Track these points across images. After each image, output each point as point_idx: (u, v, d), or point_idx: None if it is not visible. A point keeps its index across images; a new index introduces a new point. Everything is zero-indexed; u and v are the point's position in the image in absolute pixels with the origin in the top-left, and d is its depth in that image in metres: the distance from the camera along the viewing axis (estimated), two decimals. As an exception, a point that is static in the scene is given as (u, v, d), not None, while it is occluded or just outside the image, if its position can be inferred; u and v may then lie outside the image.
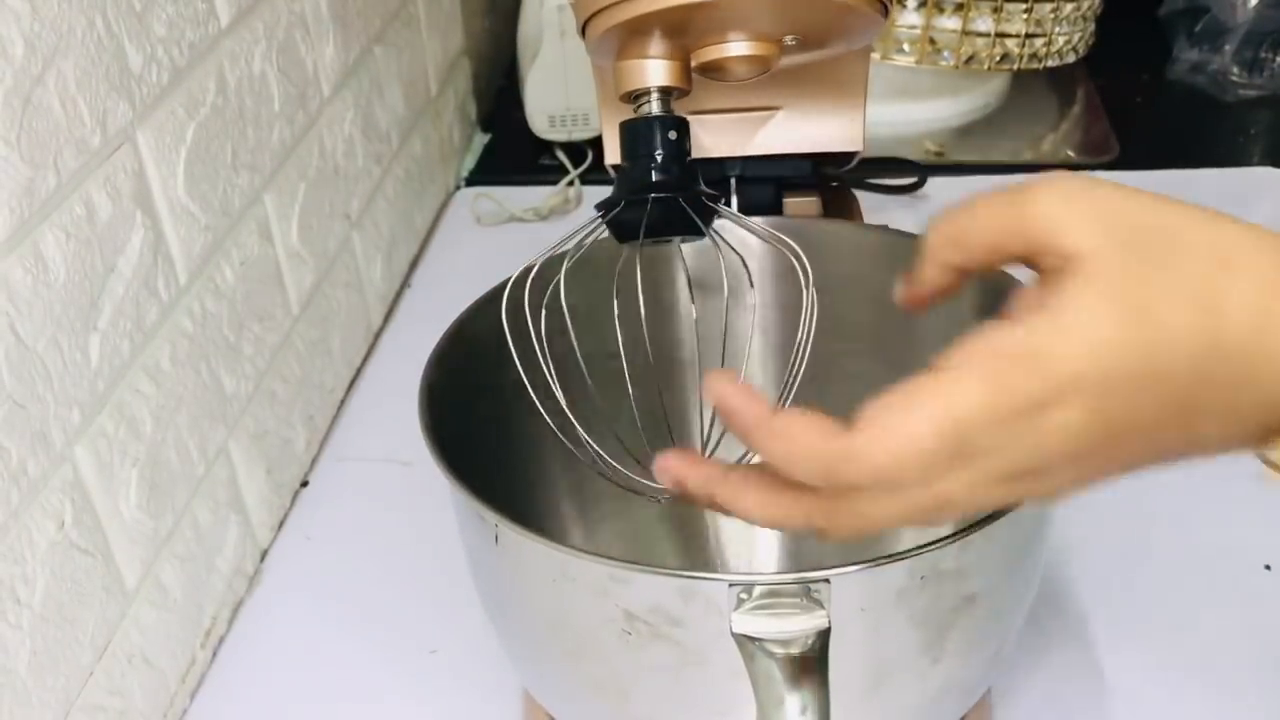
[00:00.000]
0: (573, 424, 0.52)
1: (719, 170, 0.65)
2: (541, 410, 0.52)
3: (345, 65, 0.81)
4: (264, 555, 0.71)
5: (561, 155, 1.04)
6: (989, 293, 0.58)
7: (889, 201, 0.97)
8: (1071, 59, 1.04)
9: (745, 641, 0.43)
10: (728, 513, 0.40)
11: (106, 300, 0.55)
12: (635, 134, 0.52)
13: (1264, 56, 1.09)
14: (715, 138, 0.64)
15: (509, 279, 0.55)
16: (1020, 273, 0.57)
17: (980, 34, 0.98)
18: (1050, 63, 1.02)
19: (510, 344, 0.53)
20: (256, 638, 0.67)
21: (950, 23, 0.98)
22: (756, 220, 0.55)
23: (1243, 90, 1.10)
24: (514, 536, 0.47)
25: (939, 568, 0.45)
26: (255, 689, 0.64)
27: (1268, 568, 0.66)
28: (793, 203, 0.67)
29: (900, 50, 0.99)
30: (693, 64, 0.52)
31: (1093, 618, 0.64)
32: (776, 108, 0.64)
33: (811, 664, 0.42)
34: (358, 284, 0.84)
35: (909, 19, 0.97)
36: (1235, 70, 1.10)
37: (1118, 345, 0.34)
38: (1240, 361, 0.35)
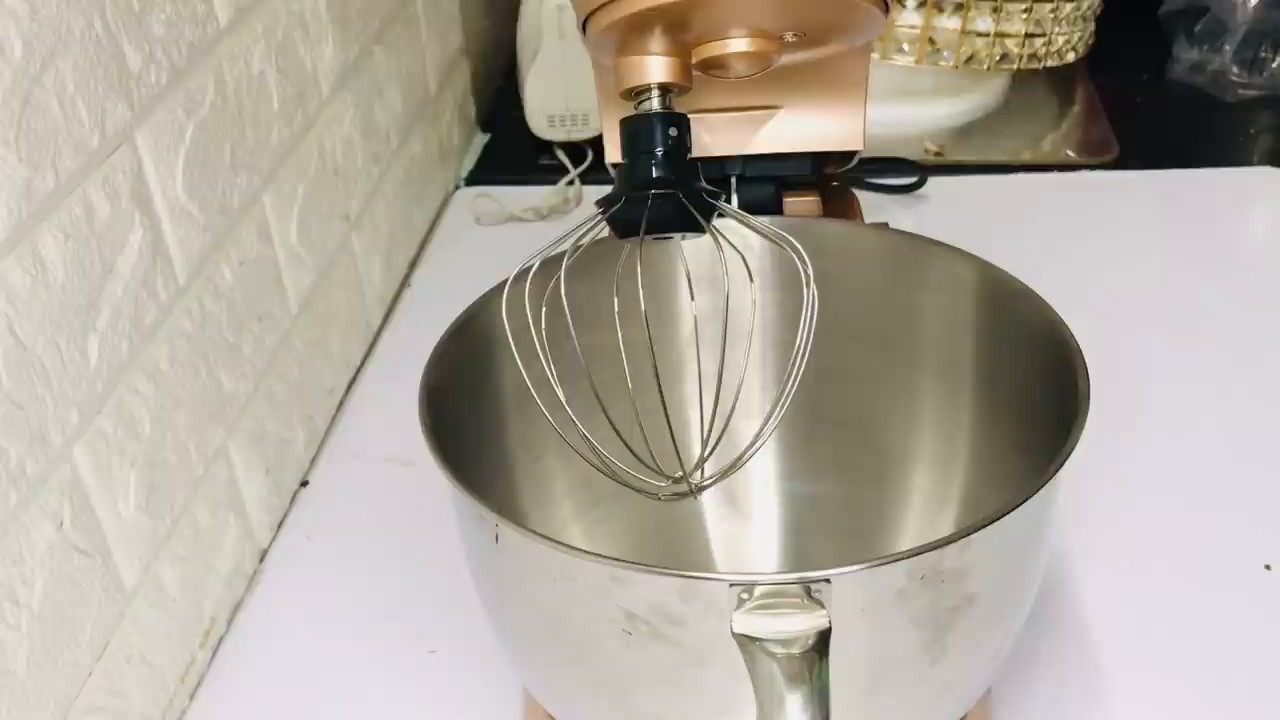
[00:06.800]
0: (573, 422, 0.52)
1: (719, 169, 0.65)
2: (542, 408, 0.52)
3: (344, 65, 0.81)
4: (263, 555, 0.71)
5: (561, 155, 1.04)
6: (989, 292, 0.58)
7: (889, 201, 0.97)
8: (1071, 59, 1.04)
9: (746, 641, 0.43)
10: None
11: (105, 301, 0.55)
12: (635, 131, 0.52)
13: (1264, 56, 1.09)
14: (716, 136, 0.64)
15: (509, 277, 0.55)
16: (1012, 266, 0.57)
17: (980, 34, 0.98)
18: (1050, 63, 1.02)
19: (510, 342, 0.53)
20: (256, 638, 0.67)
21: (950, 23, 0.97)
22: (757, 217, 0.55)
23: (1243, 90, 1.09)
24: (514, 536, 0.47)
25: (940, 568, 0.44)
26: (255, 689, 0.64)
27: (1268, 568, 0.66)
28: (793, 202, 0.67)
29: (900, 50, 0.98)
30: (693, 61, 0.52)
31: (1093, 618, 0.64)
32: (777, 107, 0.64)
33: (812, 664, 0.42)
34: (357, 284, 0.84)
35: (909, 19, 0.97)
36: (1235, 70, 1.10)
37: None
38: None
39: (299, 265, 0.75)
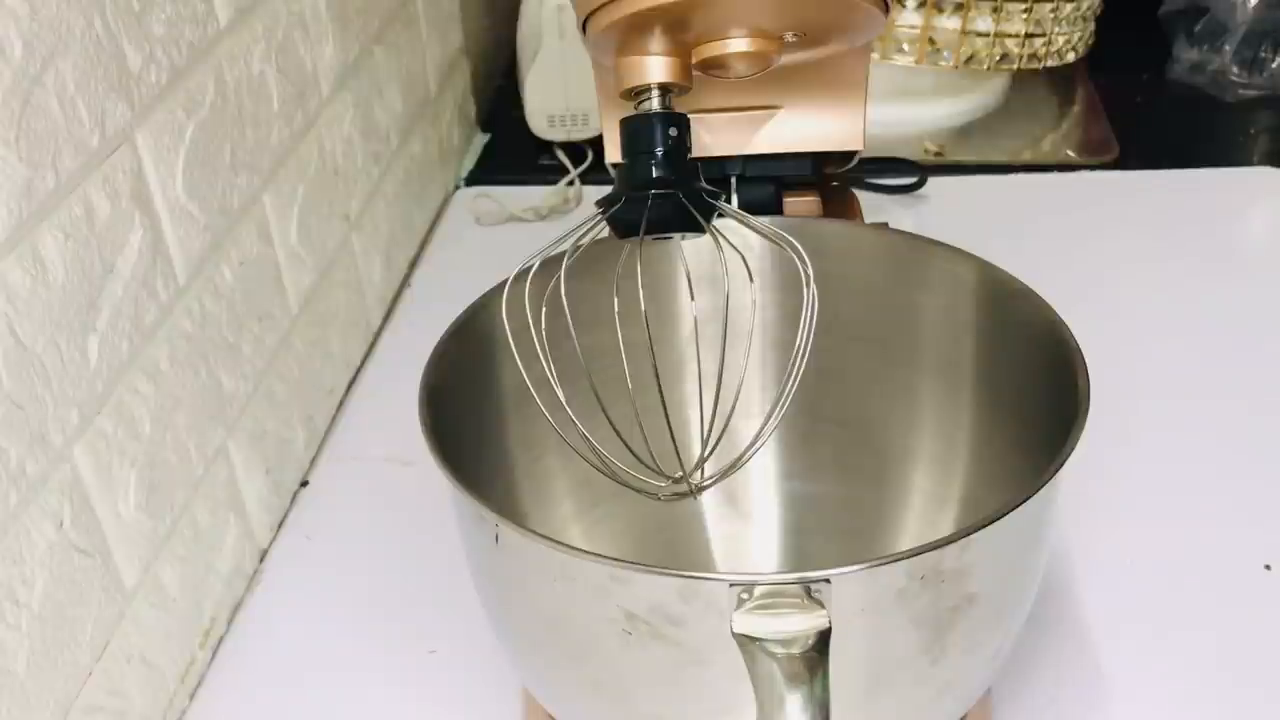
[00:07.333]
0: (573, 422, 0.52)
1: (719, 169, 0.65)
2: (542, 408, 0.52)
3: (344, 65, 0.81)
4: (263, 555, 0.71)
5: (561, 155, 1.04)
6: (989, 292, 0.58)
7: (889, 201, 0.97)
8: (1071, 59, 1.04)
9: (746, 641, 0.43)
10: None
11: (105, 301, 0.55)
12: (635, 131, 0.52)
13: (1264, 56, 1.09)
14: (716, 136, 0.64)
15: (509, 277, 0.55)
16: (1012, 266, 0.57)
17: (980, 34, 0.98)
18: (1050, 63, 1.02)
19: (510, 342, 0.53)
20: (256, 638, 0.67)
21: (950, 23, 0.97)
22: (757, 217, 0.55)
23: (1243, 90, 1.09)
24: (514, 536, 0.47)
25: (940, 568, 0.44)
26: (254, 689, 0.64)
27: (1268, 568, 0.66)
28: (793, 202, 0.67)
29: (900, 50, 0.98)
30: (693, 61, 0.52)
31: (1093, 618, 0.64)
32: (777, 107, 0.64)
33: (812, 664, 0.42)
34: (357, 284, 0.84)
35: (909, 19, 0.97)
36: (1235, 70, 1.09)
37: None
38: None
39: (299, 265, 0.75)
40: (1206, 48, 1.11)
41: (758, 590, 0.43)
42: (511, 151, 1.08)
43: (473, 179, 1.06)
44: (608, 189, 0.53)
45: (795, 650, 0.42)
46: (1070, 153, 1.04)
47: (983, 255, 0.59)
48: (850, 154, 0.69)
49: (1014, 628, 0.52)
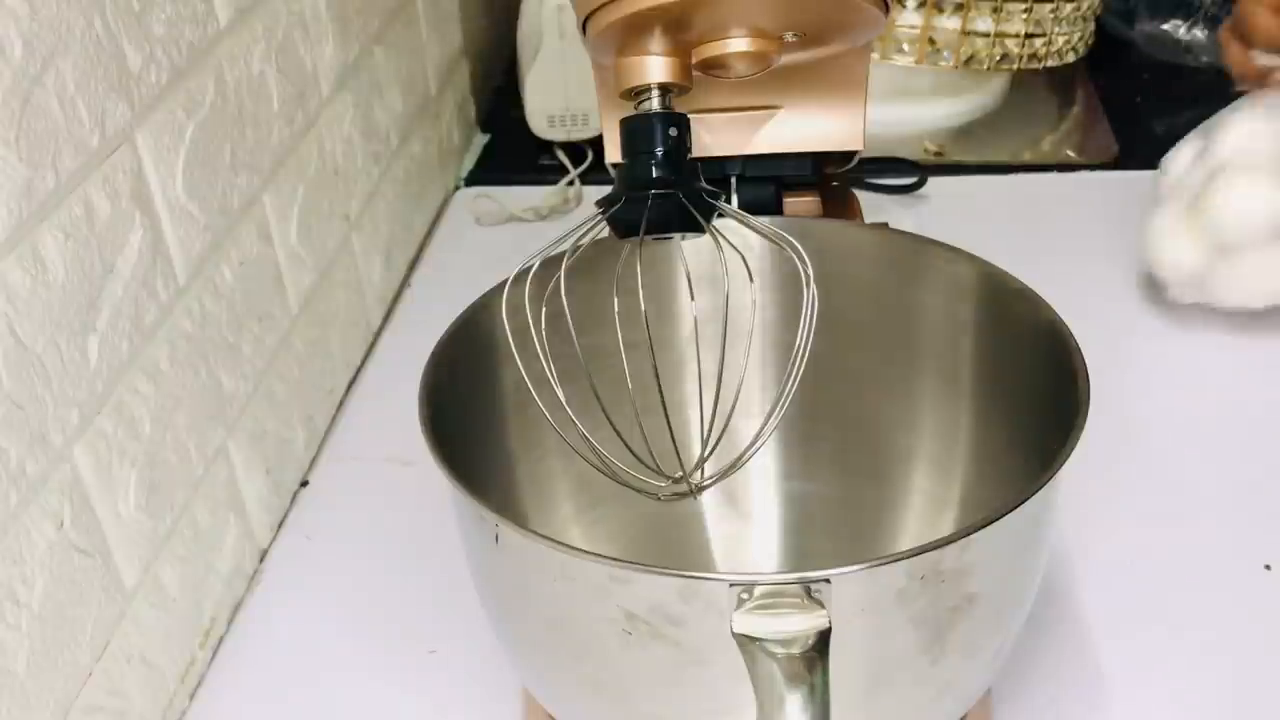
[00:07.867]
0: (573, 422, 0.52)
1: (719, 169, 0.65)
2: (542, 408, 0.52)
3: (344, 65, 0.81)
4: (263, 555, 0.71)
5: (561, 155, 1.04)
6: (989, 292, 0.58)
7: (889, 201, 0.97)
8: (1071, 59, 1.04)
9: (746, 641, 0.43)
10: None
11: (105, 300, 0.55)
12: (635, 131, 0.52)
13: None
14: (715, 136, 0.64)
15: (509, 277, 0.55)
16: (1012, 266, 0.57)
17: (980, 34, 0.98)
18: (1050, 63, 1.02)
19: (510, 342, 0.53)
20: (256, 638, 0.67)
21: (950, 23, 0.97)
22: (757, 218, 0.55)
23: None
24: (514, 536, 0.47)
25: (940, 568, 0.44)
26: (254, 689, 0.64)
27: (1268, 568, 0.66)
28: (793, 202, 0.67)
29: (900, 50, 0.98)
30: (693, 61, 0.52)
31: (1093, 618, 0.64)
32: (777, 107, 0.64)
33: (812, 664, 0.42)
34: (357, 284, 0.84)
35: (909, 19, 0.97)
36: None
37: None
38: None
39: (299, 265, 0.75)
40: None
41: (758, 590, 0.43)
42: (511, 151, 1.08)
43: (473, 179, 1.06)
44: (608, 189, 0.53)
45: (795, 650, 0.42)
46: (1070, 153, 1.04)
47: (983, 255, 0.59)
48: (850, 154, 0.69)
49: (1014, 628, 0.52)
